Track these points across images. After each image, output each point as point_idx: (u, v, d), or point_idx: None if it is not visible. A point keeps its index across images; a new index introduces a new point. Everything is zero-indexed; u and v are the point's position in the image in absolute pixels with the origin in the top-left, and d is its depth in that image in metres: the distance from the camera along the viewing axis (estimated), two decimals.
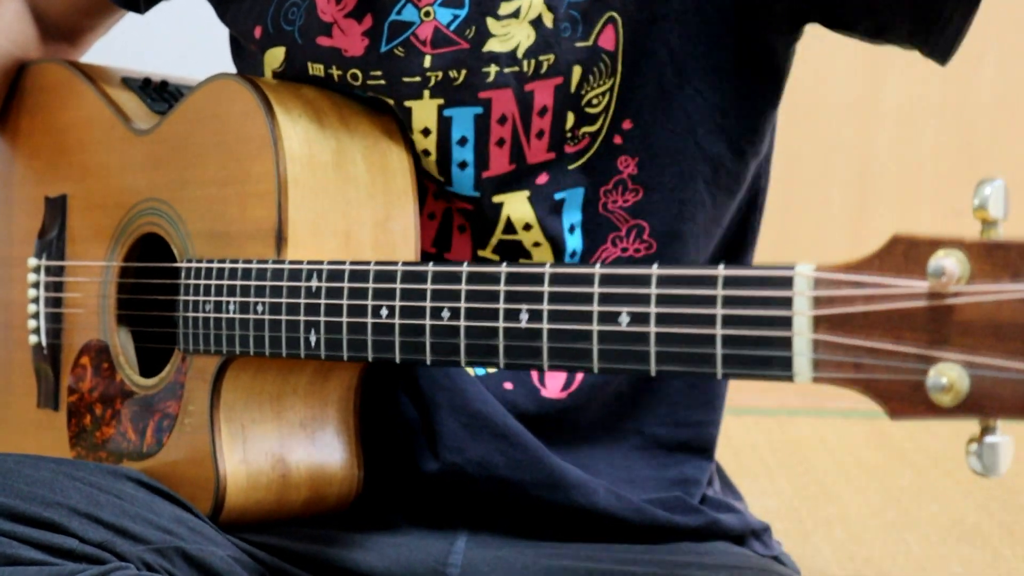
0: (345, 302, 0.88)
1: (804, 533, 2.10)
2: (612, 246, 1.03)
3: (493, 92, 1.01)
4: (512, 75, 1.00)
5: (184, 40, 2.15)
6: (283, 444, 1.00)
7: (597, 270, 0.73)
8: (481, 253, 1.05)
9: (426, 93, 1.01)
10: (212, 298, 0.98)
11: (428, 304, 0.83)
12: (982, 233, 0.57)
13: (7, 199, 1.29)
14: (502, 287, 0.78)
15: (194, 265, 1.00)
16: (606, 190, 1.03)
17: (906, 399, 0.57)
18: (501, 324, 0.78)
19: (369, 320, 0.86)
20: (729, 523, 1.08)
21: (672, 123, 1.01)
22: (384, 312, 0.85)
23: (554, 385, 1.03)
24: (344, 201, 0.98)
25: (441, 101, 1.01)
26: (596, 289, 0.72)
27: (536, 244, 1.03)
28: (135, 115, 1.15)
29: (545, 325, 0.75)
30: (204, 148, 1.03)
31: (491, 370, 1.04)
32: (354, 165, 1.00)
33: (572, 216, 1.03)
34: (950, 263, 0.56)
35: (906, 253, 0.58)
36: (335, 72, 1.04)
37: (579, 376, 1.03)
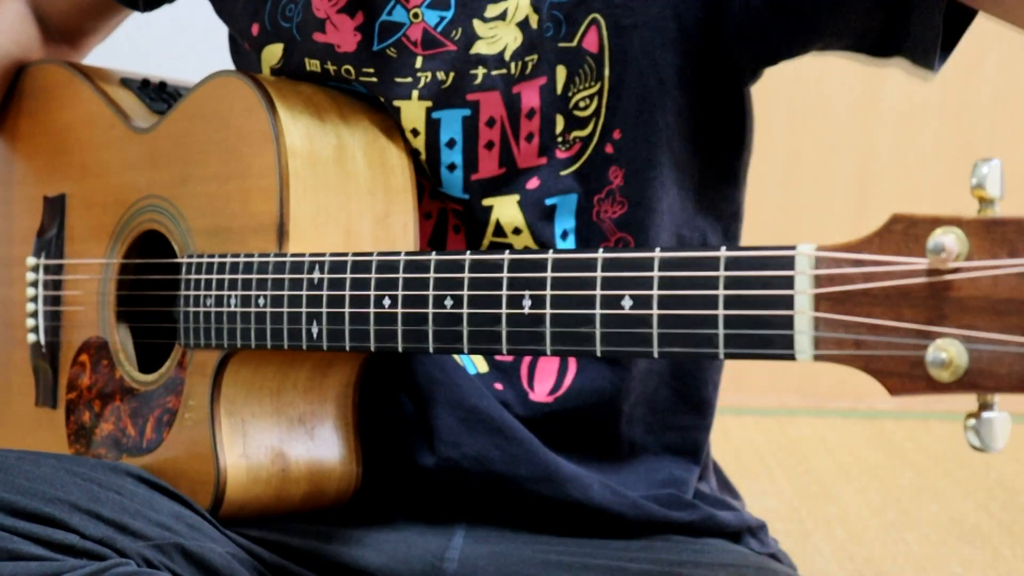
0: (347, 293, 0.89)
1: (804, 533, 2.11)
2: None
3: (481, 95, 1.01)
4: (500, 77, 1.01)
5: (182, 42, 2.16)
6: (283, 439, 1.01)
7: (600, 255, 0.74)
8: None
9: (415, 94, 1.02)
10: (213, 292, 0.98)
11: (431, 293, 0.83)
12: (980, 212, 0.58)
13: (6, 200, 1.29)
14: (505, 274, 0.79)
15: (195, 260, 1.01)
16: (599, 199, 1.03)
17: (905, 376, 0.58)
18: (504, 311, 0.78)
19: (372, 310, 0.87)
20: (725, 519, 1.09)
21: (655, 135, 1.02)
22: (387, 302, 0.86)
23: (542, 389, 1.04)
24: (345, 196, 0.99)
25: (429, 104, 1.02)
26: (599, 274, 0.73)
27: (527, 248, 1.04)
28: (134, 114, 1.16)
29: (548, 311, 0.76)
30: (205, 144, 1.04)
31: (483, 370, 1.05)
32: (354, 161, 1.00)
33: (565, 222, 1.03)
34: (949, 240, 0.57)
35: (905, 232, 0.59)
36: (330, 67, 1.05)
37: (567, 381, 1.04)
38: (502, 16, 1.00)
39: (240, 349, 0.97)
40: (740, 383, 2.86)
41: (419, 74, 1.02)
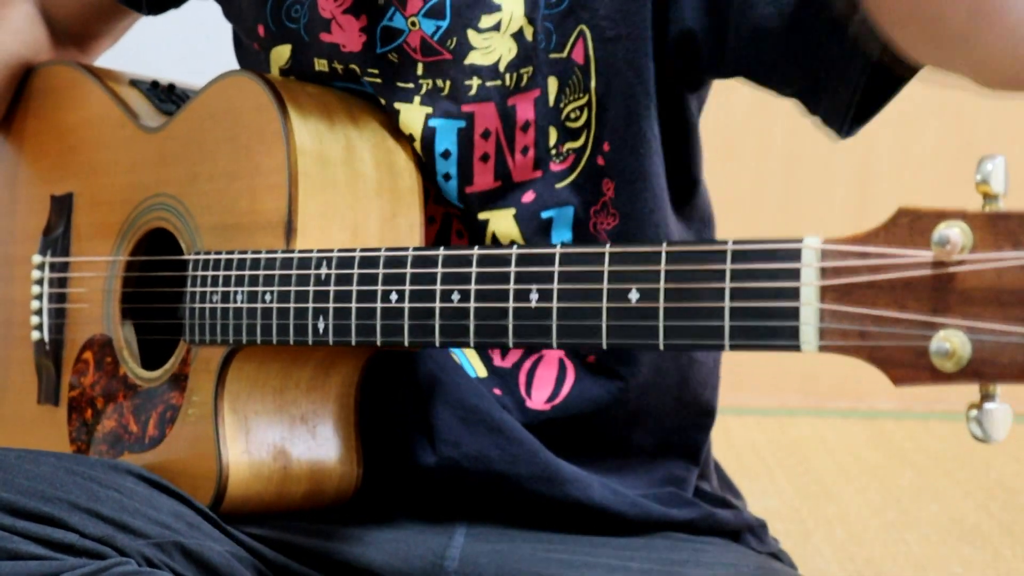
0: (355, 288, 0.90)
1: (804, 533, 2.11)
2: None
3: (476, 106, 1.02)
4: (494, 89, 1.02)
5: (188, 44, 2.16)
6: (285, 437, 1.01)
7: (607, 249, 0.75)
8: None
9: (416, 99, 1.03)
10: (220, 288, 0.99)
11: (438, 287, 0.84)
12: (984, 206, 0.59)
13: (12, 199, 1.30)
14: (512, 268, 0.80)
15: (202, 257, 1.02)
16: (596, 210, 1.04)
17: (909, 366, 0.59)
18: (511, 304, 0.79)
19: (379, 305, 0.88)
20: (725, 518, 1.09)
21: (643, 146, 1.03)
22: (394, 297, 0.87)
23: (539, 396, 1.04)
24: (352, 196, 1.00)
25: (429, 110, 1.03)
26: (606, 268, 0.74)
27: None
28: (144, 114, 1.17)
29: (555, 304, 0.77)
30: (215, 143, 1.05)
31: (481, 375, 1.05)
32: (362, 162, 1.01)
33: (562, 234, 1.04)
34: (954, 233, 0.58)
35: (911, 225, 0.60)
36: (338, 66, 1.05)
37: (564, 390, 1.04)
38: (496, 27, 1.01)
39: (245, 346, 0.98)
40: (741, 383, 2.86)
41: (421, 81, 1.03)
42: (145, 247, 1.12)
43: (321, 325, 0.92)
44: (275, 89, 1.00)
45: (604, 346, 0.73)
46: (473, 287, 0.82)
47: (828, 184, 3.19)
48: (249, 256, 0.97)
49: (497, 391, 1.04)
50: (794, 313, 0.64)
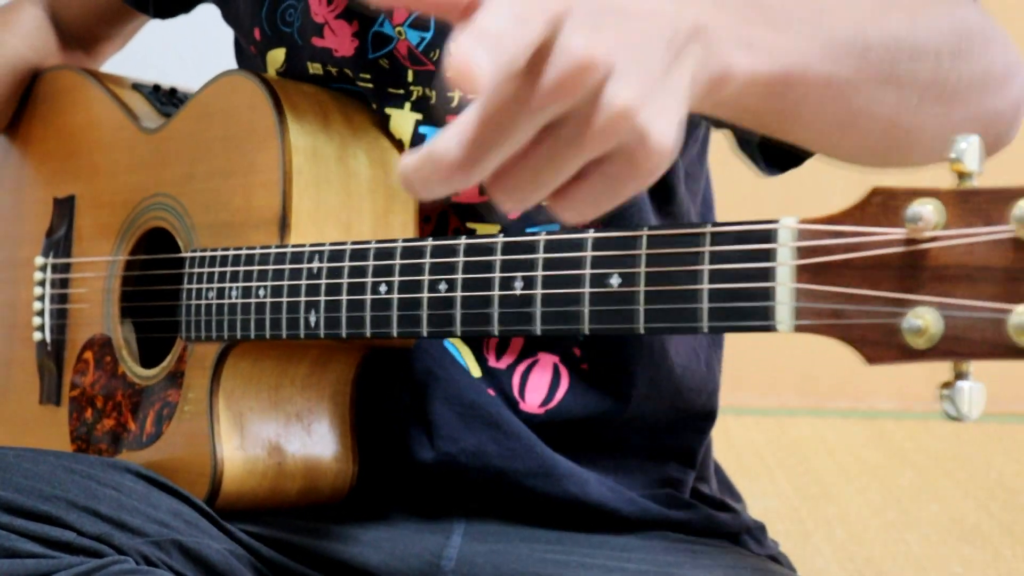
0: (345, 281, 0.90)
1: (804, 533, 2.11)
2: None
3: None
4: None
5: (193, 49, 2.17)
6: (280, 434, 1.02)
7: (590, 235, 0.75)
8: None
9: (407, 105, 1.03)
10: (215, 285, 1.00)
11: (426, 278, 0.85)
12: (959, 184, 0.59)
13: (17, 202, 1.31)
14: (498, 257, 0.80)
15: (198, 254, 1.02)
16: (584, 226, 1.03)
17: (882, 344, 0.59)
18: (496, 293, 0.79)
19: (368, 297, 0.88)
20: (723, 520, 1.09)
21: None
22: (383, 288, 0.87)
23: (533, 400, 1.04)
24: (346, 193, 1.00)
25: (419, 116, 1.03)
26: (588, 253, 0.74)
27: None
28: (144, 116, 1.18)
29: (539, 291, 0.77)
30: (211, 142, 1.06)
31: (476, 374, 1.05)
32: (356, 159, 1.02)
33: None
34: (927, 210, 0.58)
35: (884, 203, 0.60)
36: (332, 70, 1.06)
37: (558, 395, 1.04)
38: None
39: (240, 342, 0.98)
40: (740, 383, 2.86)
41: (412, 88, 1.03)
42: (145, 247, 1.13)
43: (312, 319, 0.92)
44: (270, 87, 1.01)
45: (586, 331, 0.74)
46: (460, 276, 0.82)
47: (829, 184, 3.18)
48: (243, 252, 0.98)
49: (491, 391, 1.04)
50: (769, 293, 0.64)
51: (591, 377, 1.04)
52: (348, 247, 0.91)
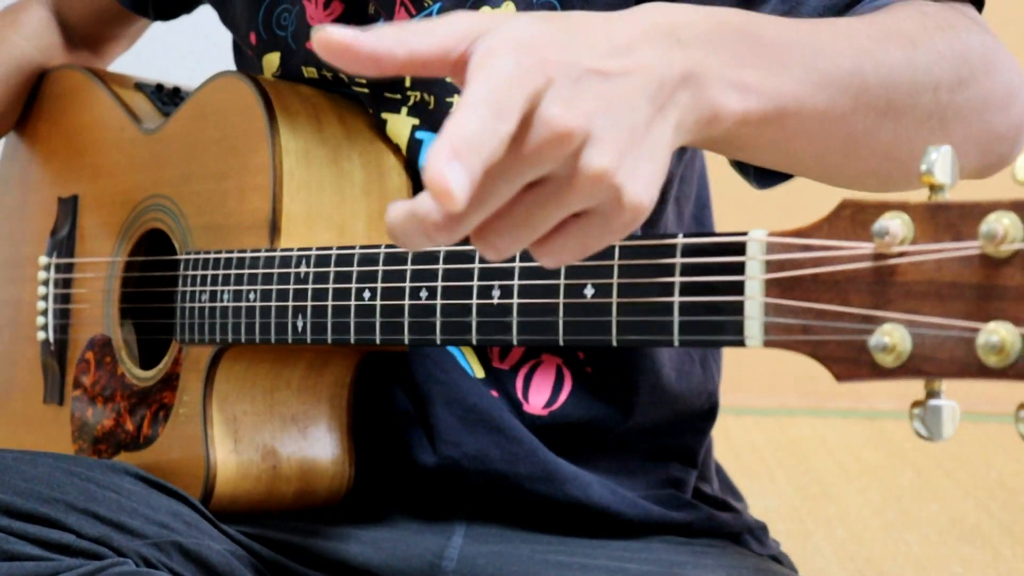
0: (331, 286, 0.90)
1: (804, 533, 2.11)
2: None
3: None
4: None
5: (195, 51, 2.18)
6: (275, 437, 1.01)
7: None
8: None
9: (404, 110, 1.03)
10: (208, 288, 0.99)
11: (407, 285, 0.84)
12: (930, 197, 0.58)
13: (22, 202, 1.32)
14: (476, 265, 0.79)
15: (192, 257, 1.02)
16: None
17: (850, 361, 0.58)
18: (475, 301, 0.79)
19: (352, 303, 0.88)
20: (724, 520, 1.08)
21: None
22: (367, 295, 0.87)
23: (536, 401, 1.04)
24: (339, 196, 1.00)
25: (416, 121, 1.02)
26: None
27: None
28: (146, 116, 1.18)
29: (515, 300, 0.76)
30: (206, 143, 1.05)
31: (479, 375, 1.05)
32: (350, 162, 1.01)
33: None
34: (894, 224, 0.56)
35: (853, 217, 0.59)
36: (327, 73, 1.05)
37: (561, 397, 1.04)
38: None
39: (232, 344, 0.98)
40: (740, 383, 2.86)
41: (409, 93, 1.02)
42: (145, 247, 1.13)
43: (300, 323, 0.92)
44: (262, 89, 1.01)
45: (561, 343, 0.73)
46: (440, 284, 0.82)
47: (828, 186, 3.18)
48: (235, 255, 0.98)
49: (494, 393, 1.04)
50: (739, 307, 0.63)
51: (594, 380, 1.03)
52: (334, 252, 0.90)
